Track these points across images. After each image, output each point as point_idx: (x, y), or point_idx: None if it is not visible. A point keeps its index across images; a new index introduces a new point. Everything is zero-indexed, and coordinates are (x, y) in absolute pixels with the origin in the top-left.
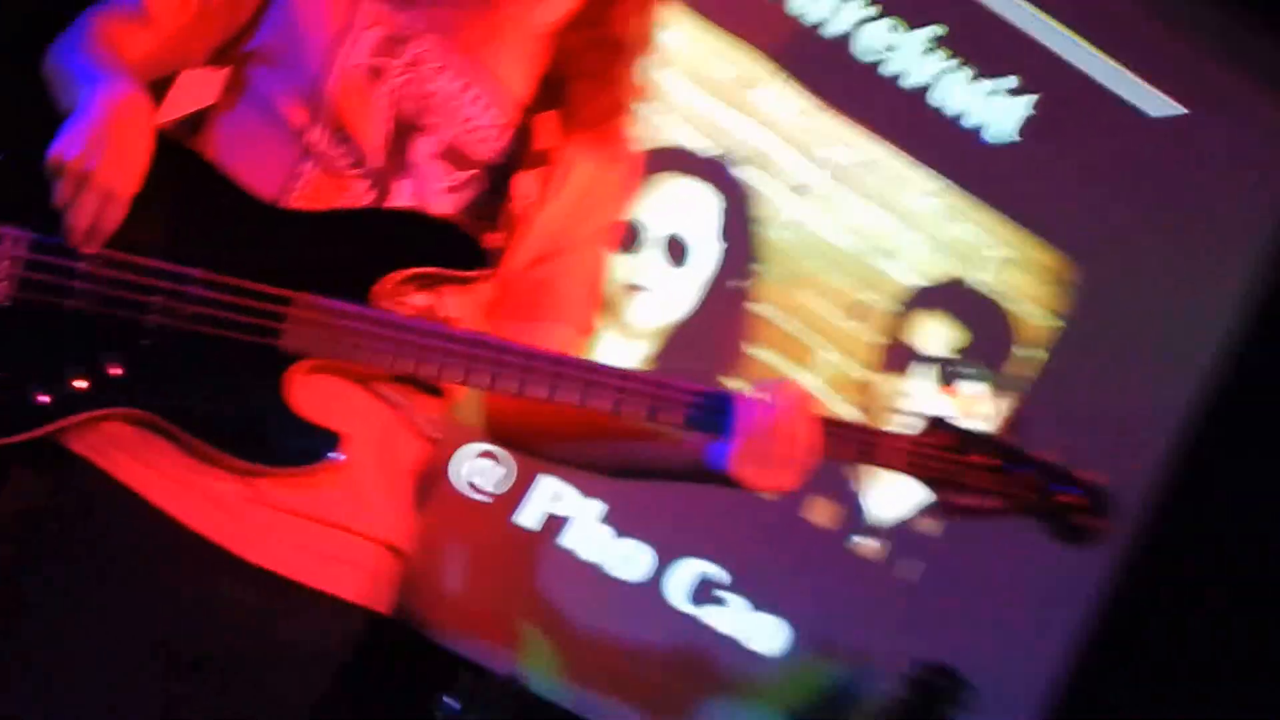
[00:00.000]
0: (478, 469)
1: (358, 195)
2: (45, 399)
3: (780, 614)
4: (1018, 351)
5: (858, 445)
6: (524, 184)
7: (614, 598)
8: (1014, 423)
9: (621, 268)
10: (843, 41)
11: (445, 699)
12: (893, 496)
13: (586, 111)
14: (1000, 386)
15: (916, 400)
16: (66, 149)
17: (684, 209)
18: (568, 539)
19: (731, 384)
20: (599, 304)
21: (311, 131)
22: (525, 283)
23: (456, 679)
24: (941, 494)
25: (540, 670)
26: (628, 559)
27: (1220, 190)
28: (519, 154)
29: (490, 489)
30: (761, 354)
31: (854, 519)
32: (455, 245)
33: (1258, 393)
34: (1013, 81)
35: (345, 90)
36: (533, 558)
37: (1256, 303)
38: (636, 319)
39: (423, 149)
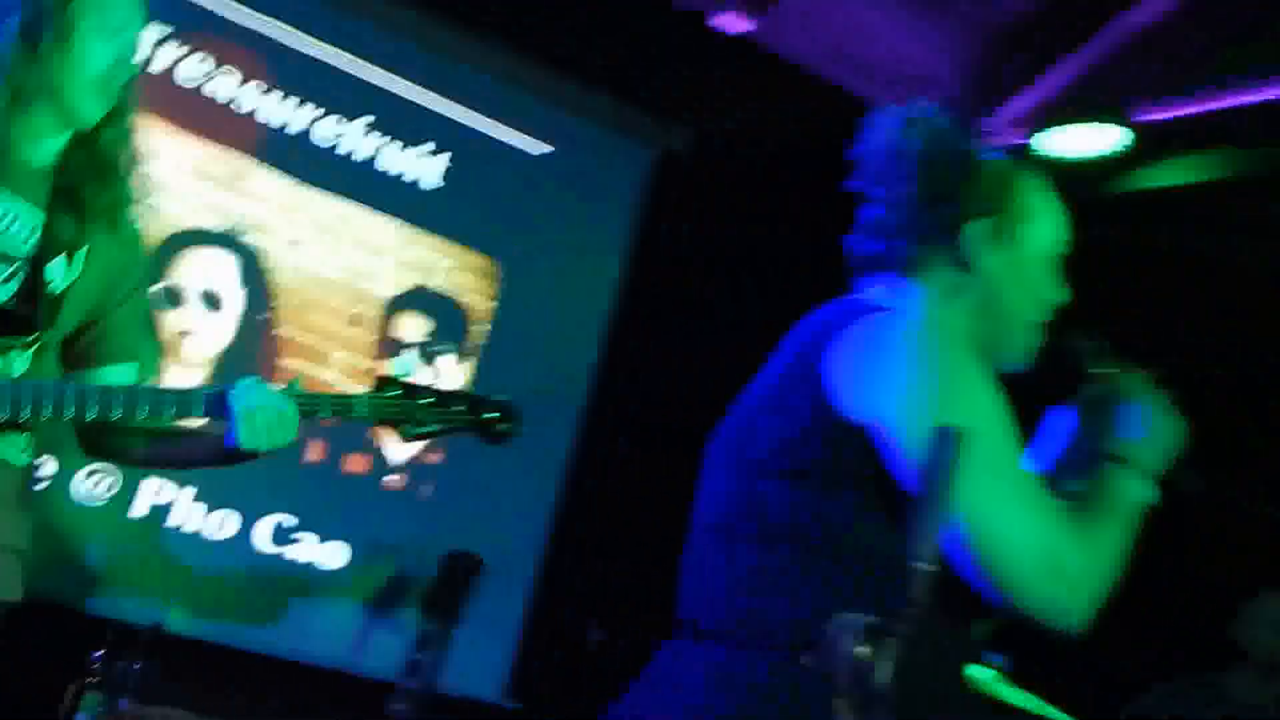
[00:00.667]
0: (87, 482)
1: None
2: None
3: (340, 539)
4: (472, 329)
5: (333, 406)
6: (55, 269)
7: (218, 552)
8: (475, 377)
9: (171, 320)
10: (305, 134)
11: (94, 654)
12: (402, 444)
13: (95, 208)
14: (464, 355)
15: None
16: None
17: (211, 270)
18: (173, 519)
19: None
20: (157, 345)
21: None
22: (84, 340)
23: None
24: (403, 428)
25: (176, 615)
26: (221, 524)
27: (591, 202)
28: (48, 247)
29: (104, 494)
30: (290, 363)
31: (380, 463)
32: (14, 321)
33: (629, 337)
34: (431, 145)
35: None
36: (151, 537)
37: (623, 283)
38: (191, 355)
39: None
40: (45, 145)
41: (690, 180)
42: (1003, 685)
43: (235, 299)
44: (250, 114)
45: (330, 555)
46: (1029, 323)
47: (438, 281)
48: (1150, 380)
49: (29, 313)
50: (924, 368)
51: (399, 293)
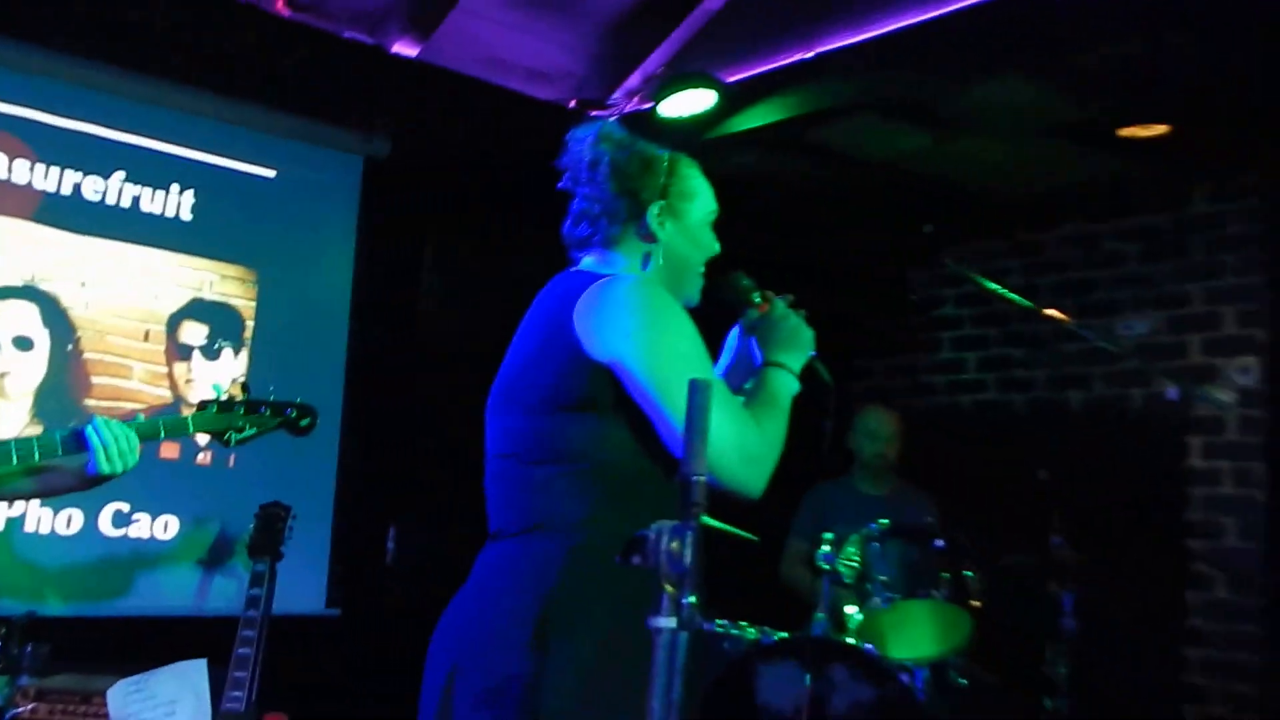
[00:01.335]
0: None
1: None
2: None
3: (169, 513)
4: (246, 325)
5: (169, 428)
6: None
7: (71, 545)
8: (250, 363)
9: None
10: (75, 194)
11: None
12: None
13: None
14: (238, 349)
15: (198, 373)
16: None
17: (18, 318)
18: (28, 526)
19: (93, 404)
20: None
21: None
22: None
23: None
24: (228, 436)
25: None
26: (69, 521)
27: (318, 210)
28: None
29: None
30: (99, 380)
31: (189, 446)
32: None
33: (370, 315)
34: (178, 186)
35: None
36: (12, 544)
37: (358, 271)
38: (14, 391)
39: None
40: None
41: (394, 181)
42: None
43: (43, 338)
44: (26, 185)
45: (163, 528)
46: (698, 271)
47: (208, 293)
48: (787, 302)
49: None
50: (642, 314)
51: (178, 307)
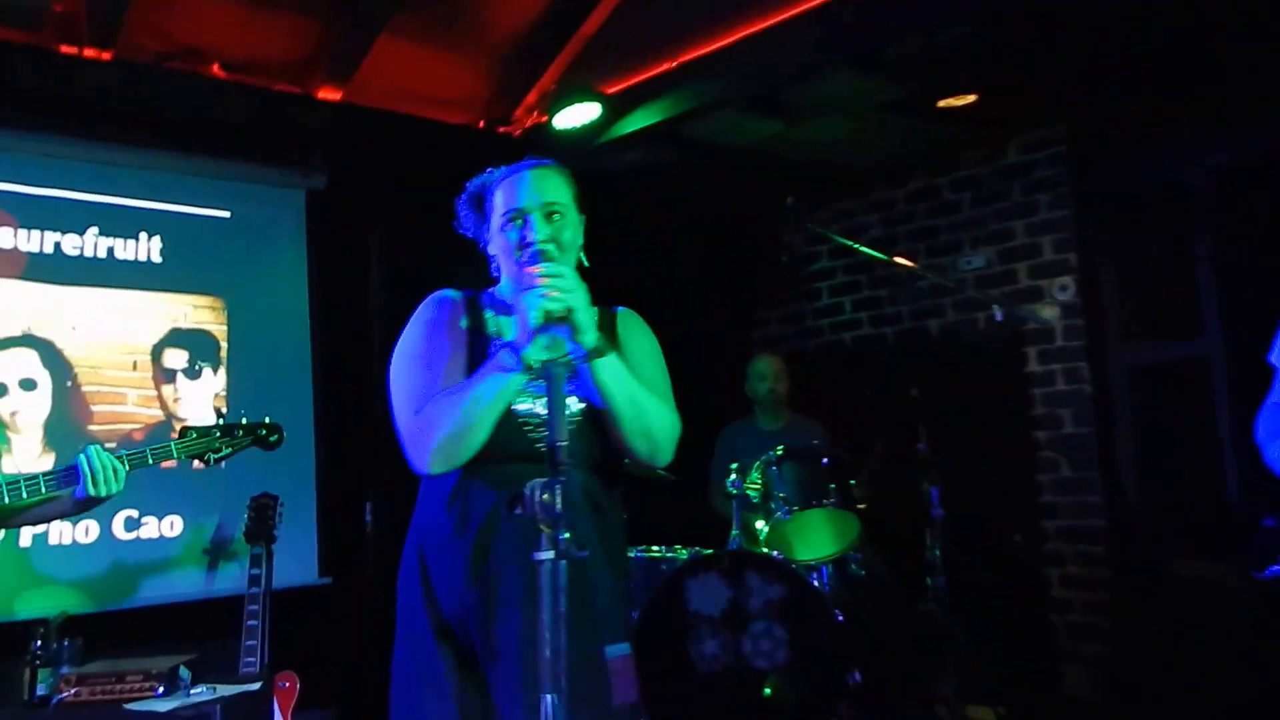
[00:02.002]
0: None
1: None
2: None
3: (173, 514)
4: (224, 348)
5: (156, 455)
6: None
7: (91, 551)
8: (229, 381)
9: (3, 406)
10: (56, 251)
11: (34, 644)
12: None
13: None
14: (217, 368)
15: (184, 393)
16: None
17: (20, 363)
18: (51, 539)
19: (95, 429)
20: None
21: None
22: None
23: (35, 631)
24: (207, 457)
25: (77, 602)
26: (87, 531)
27: (272, 240)
28: None
29: None
30: (98, 408)
31: None
32: None
33: (329, 328)
34: (145, 233)
35: None
36: (40, 555)
37: (312, 291)
38: (24, 426)
39: None
40: None
41: (335, 208)
42: None
43: (44, 378)
44: (12, 249)
45: (170, 527)
46: (517, 264)
47: (184, 323)
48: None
49: None
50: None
51: (159, 338)
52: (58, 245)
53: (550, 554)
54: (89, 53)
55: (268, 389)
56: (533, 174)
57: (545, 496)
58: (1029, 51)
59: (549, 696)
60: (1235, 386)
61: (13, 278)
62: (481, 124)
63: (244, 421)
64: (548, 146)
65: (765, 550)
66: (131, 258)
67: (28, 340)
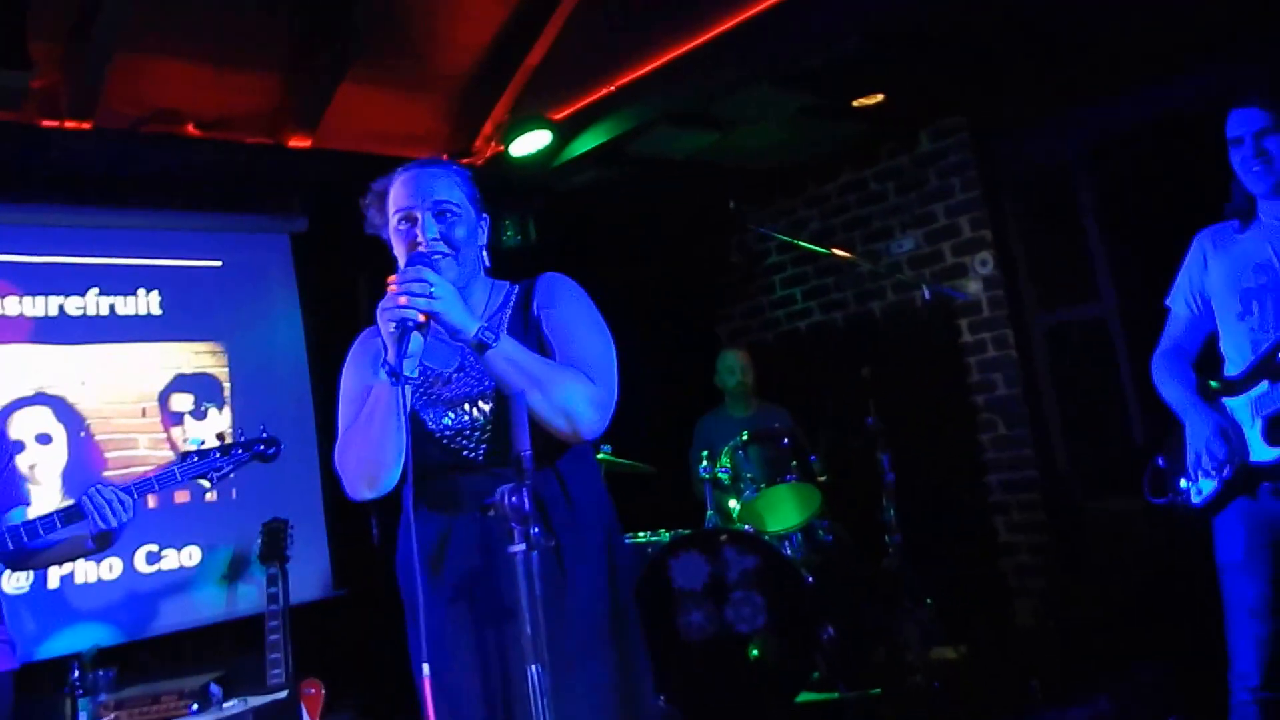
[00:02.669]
0: (12, 579)
1: None
2: None
3: (192, 545)
4: (227, 388)
5: (159, 482)
6: None
7: (117, 585)
8: (234, 416)
9: (23, 460)
10: (59, 314)
11: (72, 676)
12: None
13: None
14: (221, 407)
15: (193, 433)
16: None
17: (36, 419)
18: (78, 579)
19: (110, 475)
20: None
21: None
22: None
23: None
24: (209, 477)
25: (107, 634)
26: (110, 568)
27: (263, 284)
28: None
29: (24, 583)
30: (113, 454)
31: (197, 488)
32: None
33: (324, 360)
34: (144, 289)
35: None
36: (68, 595)
37: (306, 325)
38: (43, 477)
39: None
40: None
41: (319, 247)
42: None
43: (59, 432)
44: (18, 316)
45: (189, 558)
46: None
47: (187, 368)
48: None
49: None
50: None
51: (164, 384)
52: (61, 308)
53: (522, 546)
54: (70, 124)
55: (271, 421)
56: (421, 173)
57: (514, 498)
58: (918, 53)
59: (533, 666)
60: (1131, 342)
61: (21, 342)
62: (445, 157)
63: (242, 439)
64: (508, 174)
65: (739, 526)
66: (133, 312)
67: (41, 398)
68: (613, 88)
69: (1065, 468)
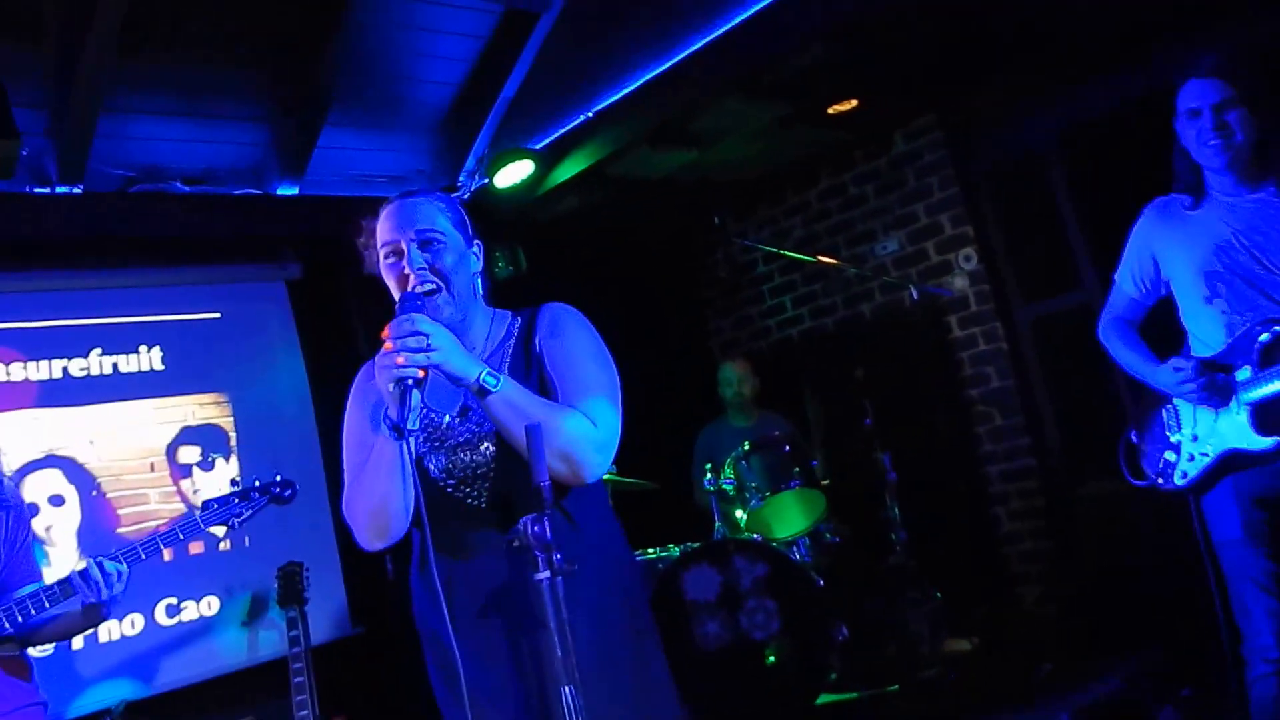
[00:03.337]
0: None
1: None
2: None
3: (210, 595)
4: (233, 438)
5: (166, 540)
6: None
7: (139, 641)
8: (240, 466)
9: (38, 522)
10: (64, 377)
11: None
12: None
13: None
14: (229, 456)
15: (202, 484)
16: None
17: (48, 482)
18: (101, 638)
19: (124, 531)
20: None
21: None
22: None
23: None
24: (229, 523)
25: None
26: (132, 624)
27: (261, 332)
28: None
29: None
30: (125, 510)
31: (210, 538)
32: None
33: (327, 404)
34: (145, 345)
35: None
36: (92, 656)
37: (309, 368)
38: (58, 538)
39: None
40: None
41: (315, 291)
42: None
43: (70, 492)
44: (24, 381)
45: (208, 607)
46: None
47: (192, 420)
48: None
49: None
50: None
51: (171, 438)
52: (65, 370)
53: (547, 574)
54: (60, 190)
55: (279, 467)
56: (403, 204)
57: (536, 528)
58: (884, 54)
59: (567, 688)
60: None
61: (29, 407)
62: None
63: (256, 484)
64: (495, 206)
65: (747, 535)
66: (135, 370)
67: (51, 460)
68: (590, 113)
69: (1060, 454)
